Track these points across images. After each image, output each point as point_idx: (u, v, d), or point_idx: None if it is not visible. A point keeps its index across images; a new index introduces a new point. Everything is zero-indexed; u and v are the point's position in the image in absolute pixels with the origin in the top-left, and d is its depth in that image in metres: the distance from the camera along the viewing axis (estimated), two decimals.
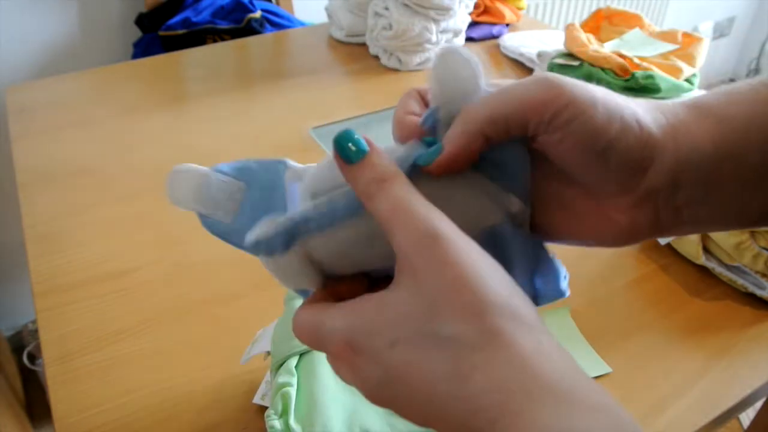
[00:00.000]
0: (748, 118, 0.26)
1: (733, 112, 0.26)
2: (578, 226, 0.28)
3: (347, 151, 0.25)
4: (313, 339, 0.26)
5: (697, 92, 0.86)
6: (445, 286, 0.22)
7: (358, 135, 0.25)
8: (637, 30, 0.93)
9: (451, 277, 0.22)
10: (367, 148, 0.25)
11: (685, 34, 0.90)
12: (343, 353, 0.24)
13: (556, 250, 0.29)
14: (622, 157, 0.26)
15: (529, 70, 1.03)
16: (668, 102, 0.28)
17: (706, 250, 0.61)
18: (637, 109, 0.26)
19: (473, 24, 1.12)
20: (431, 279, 0.22)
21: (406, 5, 0.99)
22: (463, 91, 0.27)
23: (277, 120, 0.89)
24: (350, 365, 0.24)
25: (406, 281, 0.23)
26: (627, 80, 0.82)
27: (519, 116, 0.26)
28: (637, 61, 0.83)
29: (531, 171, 0.28)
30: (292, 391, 0.43)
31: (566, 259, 0.29)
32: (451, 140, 0.26)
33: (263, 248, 0.26)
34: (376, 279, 0.28)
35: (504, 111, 0.26)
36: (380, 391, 0.24)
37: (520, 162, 0.28)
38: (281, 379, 0.43)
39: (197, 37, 1.26)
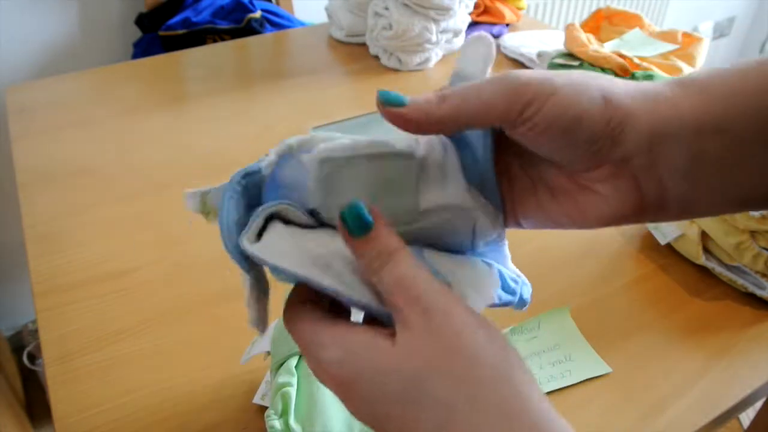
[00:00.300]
0: (731, 88, 0.26)
1: (717, 83, 0.26)
2: (564, 204, 0.29)
3: (352, 226, 0.25)
4: (305, 354, 0.27)
5: None
6: (440, 354, 0.24)
7: (364, 208, 0.26)
8: (637, 30, 0.93)
9: (446, 346, 0.24)
10: (371, 222, 0.25)
11: (685, 34, 0.90)
12: (332, 381, 0.26)
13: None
14: (587, 132, 0.26)
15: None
16: (653, 81, 0.28)
17: (706, 250, 0.61)
18: (605, 83, 0.27)
19: (473, 24, 1.12)
20: (429, 345, 0.24)
21: (406, 5, 0.99)
22: (472, 73, 0.29)
23: (277, 120, 0.89)
24: (337, 389, 0.26)
25: (405, 338, 0.24)
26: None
27: (483, 120, 0.27)
28: (637, 61, 0.83)
29: (507, 159, 0.30)
30: (292, 391, 0.43)
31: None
32: (413, 107, 0.27)
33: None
34: None
35: (468, 112, 0.26)
36: (367, 419, 0.25)
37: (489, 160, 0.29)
38: (281, 379, 0.43)
39: (197, 37, 1.26)
